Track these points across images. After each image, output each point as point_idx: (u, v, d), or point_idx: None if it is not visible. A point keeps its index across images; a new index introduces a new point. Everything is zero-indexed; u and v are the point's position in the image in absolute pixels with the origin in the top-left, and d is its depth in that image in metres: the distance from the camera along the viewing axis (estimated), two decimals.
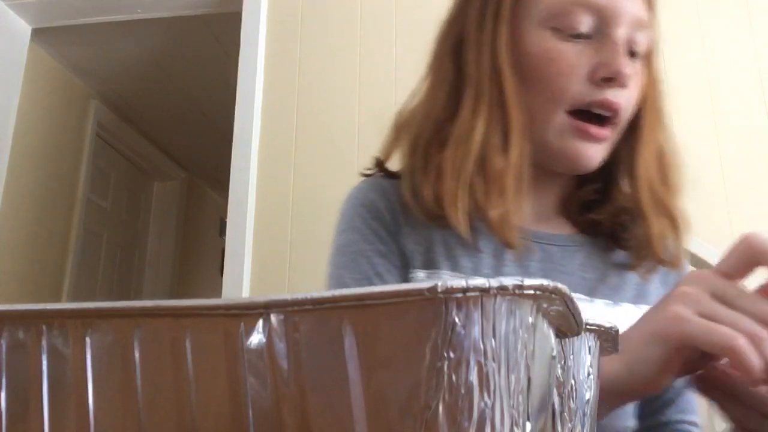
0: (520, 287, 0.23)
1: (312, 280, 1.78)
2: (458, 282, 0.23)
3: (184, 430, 0.26)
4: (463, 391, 0.22)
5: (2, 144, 2.39)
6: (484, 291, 0.23)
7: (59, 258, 3.14)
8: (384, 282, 0.69)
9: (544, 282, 0.24)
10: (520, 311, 0.24)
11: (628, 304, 0.69)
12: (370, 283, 0.68)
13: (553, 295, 0.24)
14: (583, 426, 0.33)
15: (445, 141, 0.68)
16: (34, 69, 2.79)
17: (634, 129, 0.69)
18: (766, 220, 1.63)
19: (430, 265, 0.69)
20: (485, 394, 0.23)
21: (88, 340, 0.27)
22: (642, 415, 0.71)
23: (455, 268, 0.68)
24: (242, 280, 1.83)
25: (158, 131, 3.87)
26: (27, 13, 2.42)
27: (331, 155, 1.92)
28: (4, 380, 0.29)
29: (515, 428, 0.23)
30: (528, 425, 0.24)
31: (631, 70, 0.64)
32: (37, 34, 2.56)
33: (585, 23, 0.64)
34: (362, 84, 1.97)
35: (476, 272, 0.68)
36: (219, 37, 2.91)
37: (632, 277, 0.72)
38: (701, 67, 1.79)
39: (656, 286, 0.73)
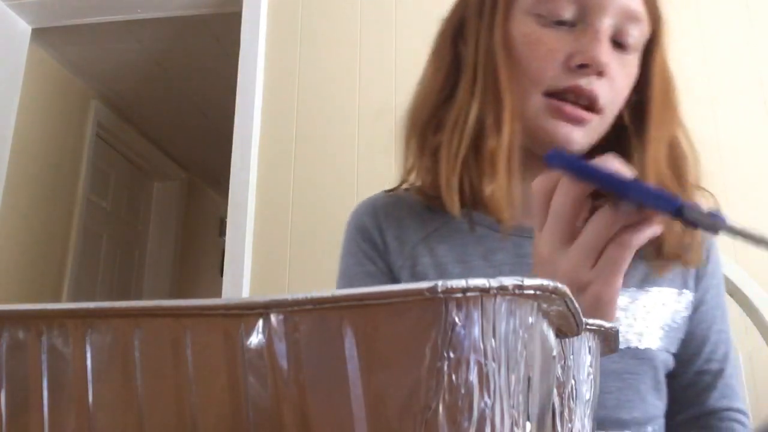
0: (520, 287, 0.23)
1: (312, 280, 1.77)
2: (458, 282, 0.23)
3: (184, 430, 0.26)
4: (463, 391, 0.22)
5: (2, 144, 2.39)
6: (484, 291, 0.23)
7: (59, 258, 3.14)
8: None
9: (544, 282, 0.24)
10: (520, 311, 0.24)
11: (632, 289, 0.69)
12: None
13: (553, 295, 0.24)
14: (583, 426, 0.33)
15: (441, 123, 0.71)
16: (34, 69, 2.79)
17: (642, 123, 0.69)
18: (766, 220, 1.63)
19: (418, 277, 0.71)
20: (485, 394, 0.23)
21: (88, 340, 0.27)
22: (680, 406, 0.71)
23: (443, 275, 0.71)
24: (242, 280, 1.83)
25: (158, 131, 3.87)
26: (27, 13, 2.42)
27: (331, 155, 1.92)
28: (4, 380, 0.29)
29: (515, 428, 0.23)
30: (528, 425, 0.24)
31: (613, 59, 0.65)
32: (37, 34, 2.56)
33: (568, 10, 0.65)
34: (362, 84, 1.96)
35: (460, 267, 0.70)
36: (219, 37, 2.91)
37: (636, 263, 0.71)
38: (701, 67, 1.79)
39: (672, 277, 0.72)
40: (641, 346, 0.67)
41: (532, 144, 0.69)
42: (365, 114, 1.94)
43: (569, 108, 0.65)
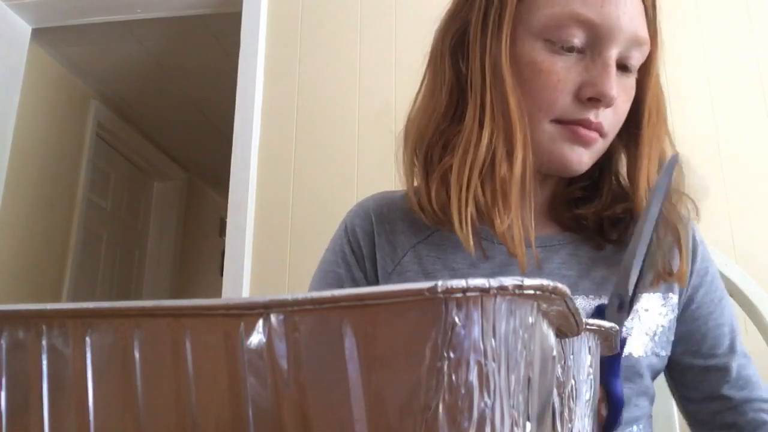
0: (520, 287, 0.23)
1: None
2: (458, 282, 0.23)
3: (184, 430, 0.26)
4: (463, 391, 0.22)
5: (2, 144, 2.39)
6: (484, 291, 0.23)
7: (59, 258, 3.13)
8: None
9: (544, 282, 0.24)
10: (520, 311, 0.24)
11: None
12: None
13: (553, 295, 0.24)
14: (583, 426, 0.33)
15: (448, 146, 0.69)
16: (34, 69, 2.79)
17: (634, 136, 0.70)
18: (766, 220, 1.63)
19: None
20: (485, 394, 0.23)
21: (88, 340, 0.27)
22: (700, 402, 0.72)
23: (426, 275, 0.71)
24: (242, 280, 1.83)
25: (158, 131, 3.87)
26: (27, 13, 2.41)
27: (331, 155, 1.92)
28: (4, 380, 0.28)
29: (515, 428, 0.23)
30: (528, 425, 0.24)
31: (620, 88, 0.65)
32: (37, 34, 2.56)
33: (578, 38, 0.64)
34: (362, 84, 1.96)
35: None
36: (219, 37, 2.91)
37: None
38: (701, 67, 1.79)
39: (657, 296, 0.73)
40: (623, 354, 0.67)
41: (540, 166, 0.69)
42: (365, 114, 1.94)
43: (584, 131, 0.65)
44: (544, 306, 0.25)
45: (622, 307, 0.47)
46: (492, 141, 0.66)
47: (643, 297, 0.70)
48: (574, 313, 0.27)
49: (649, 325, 0.69)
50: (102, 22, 2.43)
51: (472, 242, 0.66)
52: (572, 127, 0.65)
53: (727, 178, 1.67)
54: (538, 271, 0.70)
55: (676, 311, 0.72)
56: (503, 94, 0.66)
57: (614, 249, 0.72)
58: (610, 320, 0.44)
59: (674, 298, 0.72)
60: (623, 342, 0.46)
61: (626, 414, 0.68)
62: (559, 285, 0.24)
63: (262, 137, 1.98)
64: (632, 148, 0.70)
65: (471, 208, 0.66)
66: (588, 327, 0.34)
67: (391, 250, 0.74)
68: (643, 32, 0.66)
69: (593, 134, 0.66)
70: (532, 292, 0.24)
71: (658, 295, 0.71)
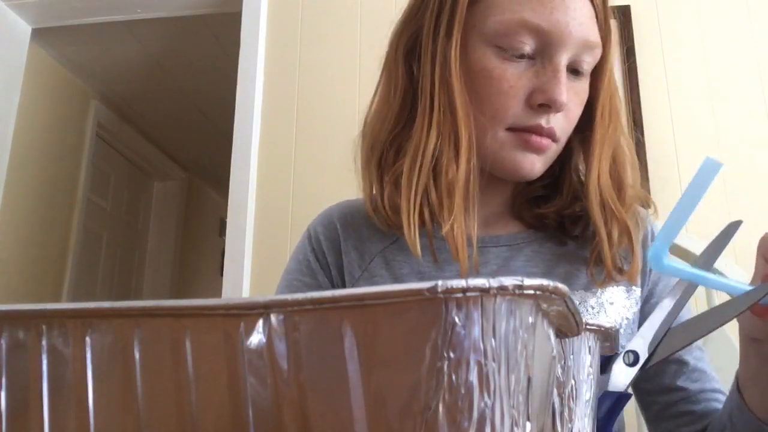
0: (520, 287, 0.23)
1: None
2: (458, 282, 0.23)
3: (184, 430, 0.26)
4: (463, 391, 0.22)
5: (2, 144, 2.39)
6: (484, 291, 0.23)
7: (59, 258, 3.14)
8: None
9: (544, 282, 0.24)
10: (520, 311, 0.24)
11: (580, 291, 0.71)
12: None
13: (553, 295, 0.24)
14: (583, 426, 0.33)
15: (400, 151, 0.71)
16: (34, 69, 2.79)
17: (587, 136, 0.71)
18: (765, 220, 1.63)
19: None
20: (485, 394, 0.23)
21: (88, 340, 0.27)
22: (653, 397, 0.72)
23: (396, 279, 0.72)
24: (242, 280, 1.83)
25: (158, 131, 3.87)
26: (27, 13, 2.42)
27: (331, 155, 1.92)
28: (4, 380, 0.29)
29: (515, 428, 0.23)
30: (528, 425, 0.24)
31: (571, 92, 0.66)
32: (37, 34, 2.56)
33: (528, 44, 0.65)
34: (362, 84, 1.97)
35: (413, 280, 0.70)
36: (219, 37, 2.91)
37: (581, 267, 0.73)
38: (701, 67, 1.79)
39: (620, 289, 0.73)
40: None
41: (492, 169, 0.70)
42: (365, 114, 1.93)
43: (536, 139, 0.66)
44: (544, 306, 0.25)
45: (634, 363, 0.47)
46: (437, 144, 0.67)
47: (608, 290, 0.70)
48: (574, 313, 0.27)
49: (615, 317, 0.70)
50: (102, 22, 2.44)
51: (419, 246, 0.67)
52: (524, 135, 0.66)
53: (727, 178, 1.67)
54: (501, 273, 0.71)
55: (640, 304, 0.72)
56: (450, 97, 0.66)
57: (576, 245, 0.73)
58: (617, 371, 0.47)
59: (638, 291, 0.72)
60: (627, 396, 0.46)
61: None
62: (560, 285, 0.24)
63: (262, 137, 1.98)
64: (586, 148, 0.71)
65: (419, 212, 0.67)
66: (588, 327, 0.34)
67: (358, 255, 0.75)
68: (594, 36, 0.66)
69: (545, 141, 0.67)
70: (532, 292, 0.24)
71: (622, 288, 0.71)
